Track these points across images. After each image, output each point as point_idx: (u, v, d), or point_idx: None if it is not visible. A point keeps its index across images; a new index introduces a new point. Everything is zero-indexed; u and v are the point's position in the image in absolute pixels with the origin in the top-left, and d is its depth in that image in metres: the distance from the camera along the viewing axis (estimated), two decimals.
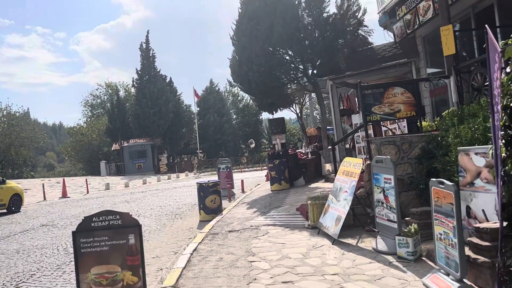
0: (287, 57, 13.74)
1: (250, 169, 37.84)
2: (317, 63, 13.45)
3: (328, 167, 13.57)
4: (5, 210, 14.25)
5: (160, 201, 14.36)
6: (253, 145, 43.20)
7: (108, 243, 4.09)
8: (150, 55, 44.39)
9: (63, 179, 23.13)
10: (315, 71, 13.72)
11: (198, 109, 48.37)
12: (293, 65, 13.89)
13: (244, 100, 55.01)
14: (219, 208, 9.90)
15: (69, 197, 19.35)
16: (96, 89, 57.73)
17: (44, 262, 6.87)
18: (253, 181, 19.82)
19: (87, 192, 21.46)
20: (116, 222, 4.10)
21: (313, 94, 17.03)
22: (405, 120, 9.33)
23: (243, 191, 14.98)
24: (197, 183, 10.20)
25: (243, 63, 13.25)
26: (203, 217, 9.63)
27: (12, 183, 15.46)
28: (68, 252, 7.41)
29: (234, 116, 55.63)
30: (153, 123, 42.32)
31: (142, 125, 42.64)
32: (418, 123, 7.94)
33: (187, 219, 10.14)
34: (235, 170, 23.71)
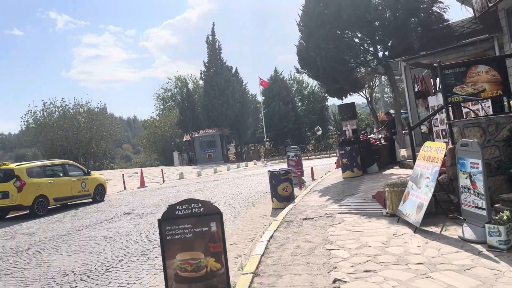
0: (356, 40, 13.31)
1: (318, 156, 37.46)
2: (389, 44, 12.89)
3: (403, 152, 13.05)
4: (90, 200, 15.32)
5: (232, 189, 14.65)
6: (319, 132, 42.71)
7: (191, 230, 4.21)
8: (216, 47, 45.23)
9: (141, 170, 24.37)
10: (386, 53, 13.17)
11: (263, 98, 48.60)
12: (362, 48, 13.44)
13: (309, 87, 54.48)
14: (291, 196, 9.90)
15: (146, 186, 20.37)
16: (167, 83, 59.97)
17: (129, 248, 7.28)
18: (322, 168, 19.60)
19: (163, 181, 22.45)
20: (198, 210, 4.22)
21: (383, 78, 16.44)
22: (489, 100, 8.68)
23: (313, 179, 14.86)
24: (268, 171, 10.26)
25: (310, 48, 13.03)
26: (275, 205, 9.69)
27: (96, 174, 16.56)
28: (150, 239, 7.80)
29: (299, 104, 55.25)
30: (221, 114, 43.24)
31: (210, 116, 43.72)
32: (505, 103, 7.35)
33: (260, 207, 10.26)
34: (302, 158, 23.60)
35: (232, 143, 48.08)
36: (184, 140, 44.58)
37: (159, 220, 4.20)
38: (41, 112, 42.28)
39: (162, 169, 26.40)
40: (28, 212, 13.08)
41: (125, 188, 20.19)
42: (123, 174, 23.45)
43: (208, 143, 41.52)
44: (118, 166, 50.86)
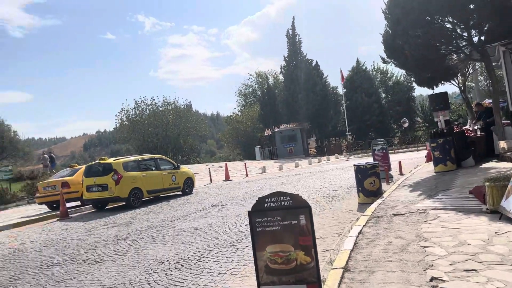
0: (448, 25, 12.44)
1: (404, 150, 35.85)
2: (485, 28, 11.90)
3: (502, 144, 11.99)
4: (180, 192, 16.10)
5: (315, 183, 14.53)
6: (406, 124, 40.79)
7: (280, 223, 4.22)
8: (296, 40, 45.07)
9: (225, 164, 25.11)
10: (482, 38, 12.17)
11: (344, 90, 47.51)
12: (454, 34, 12.54)
13: (394, 77, 52.17)
14: (378, 190, 9.56)
15: (231, 180, 20.95)
16: (248, 79, 61.11)
17: (219, 239, 7.52)
18: (411, 162, 18.71)
19: (246, 175, 22.92)
20: (287, 203, 4.21)
21: (477, 65, 15.21)
22: None
23: (401, 173, 14.25)
24: (354, 165, 10.00)
25: (397, 36, 12.44)
26: (362, 200, 9.43)
27: (185, 168, 17.35)
28: (238, 230, 7.99)
29: (383, 95, 53.14)
30: (301, 108, 43.06)
31: (291, 110, 43.74)
32: None
33: (345, 202, 10.05)
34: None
35: (313, 137, 47.69)
36: (265, 134, 45.12)
37: (249, 212, 4.26)
38: (133, 110, 45.30)
39: (245, 163, 26.97)
40: (124, 203, 14.07)
41: (211, 182, 20.94)
42: (209, 168, 24.33)
43: (288, 137, 41.62)
44: (204, 160, 52.90)
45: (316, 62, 46.64)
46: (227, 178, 21.31)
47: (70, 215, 13.52)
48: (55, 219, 13.22)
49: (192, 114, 49.67)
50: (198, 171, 26.97)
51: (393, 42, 12.77)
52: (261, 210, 4.29)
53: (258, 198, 4.25)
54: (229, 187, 17.04)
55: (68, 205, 14.15)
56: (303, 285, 4.13)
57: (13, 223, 12.82)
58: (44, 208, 16.83)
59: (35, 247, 8.94)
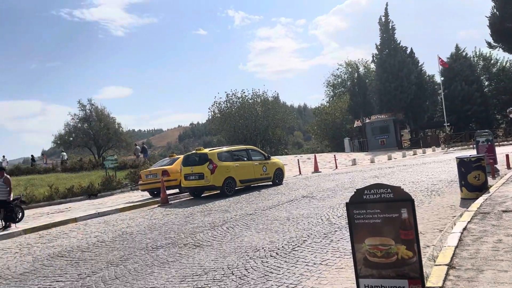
0: None
1: (511, 142, 32.80)
2: None
3: None
4: (270, 183, 16.37)
5: (411, 176, 13.89)
6: None
7: (380, 216, 4.12)
8: (390, 27, 43.17)
9: (314, 156, 24.97)
10: None
11: (442, 78, 44.50)
12: None
13: (498, 64, 47.70)
14: (484, 185, 8.89)
15: (320, 171, 20.81)
16: (337, 69, 59.85)
17: (311, 230, 7.54)
18: None
19: (336, 167, 22.61)
20: (388, 195, 4.09)
21: None
22: None
23: (508, 167, 13.10)
24: (456, 158, 9.39)
25: (507, 18, 11.38)
26: (465, 195, 8.84)
27: (275, 159, 17.60)
28: (331, 222, 7.94)
29: (486, 83, 48.88)
30: (394, 97, 41.28)
31: (383, 100, 42.14)
32: None
33: (445, 196, 9.49)
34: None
35: (406, 129, 45.50)
36: (355, 126, 44.03)
37: (347, 204, 4.22)
38: (225, 103, 46.81)
39: (335, 155, 26.60)
40: (219, 191, 14.66)
41: (300, 173, 20.99)
42: (298, 160, 24.40)
43: (380, 128, 40.16)
44: (291, 152, 53.15)
45: (411, 49, 44.31)
46: (316, 169, 21.20)
47: (169, 202, 14.43)
48: (156, 205, 14.19)
49: (280, 106, 50.05)
50: (286, 162, 27.17)
51: (501, 25, 11.73)
52: (359, 202, 4.22)
53: (357, 189, 4.18)
54: (319, 178, 16.95)
55: (167, 192, 15.09)
56: (404, 280, 4.02)
57: (119, 208, 14.01)
58: (146, 195, 18.13)
59: (140, 230, 9.68)
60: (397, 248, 4.02)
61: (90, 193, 23.64)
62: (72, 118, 46.85)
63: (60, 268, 6.99)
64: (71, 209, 17.60)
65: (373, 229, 4.13)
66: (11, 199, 12.93)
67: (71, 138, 46.65)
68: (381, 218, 4.12)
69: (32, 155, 42.03)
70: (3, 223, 12.75)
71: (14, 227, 12.31)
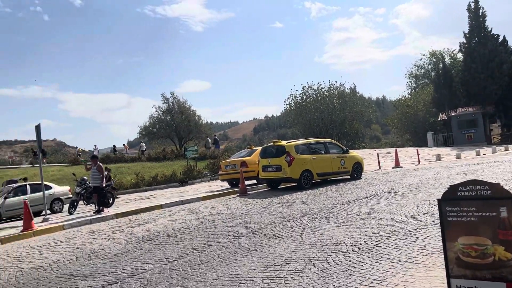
0: None
1: None
2: None
3: None
4: (348, 177, 16.08)
5: (504, 174, 12.89)
6: None
7: (476, 214, 3.88)
8: (480, 14, 40.13)
9: (395, 150, 24.08)
10: None
11: None
12: None
13: None
14: None
15: (401, 166, 20.02)
16: (420, 59, 56.94)
17: (395, 226, 7.30)
18: None
19: (418, 162, 21.61)
20: (485, 192, 3.85)
21: None
22: None
23: None
24: None
25: None
26: None
27: (354, 152, 17.25)
28: (416, 219, 7.63)
29: None
30: (484, 89, 38.39)
31: (471, 92, 39.37)
32: None
33: None
34: None
35: (496, 123, 42.18)
36: (439, 119, 41.65)
37: (438, 200, 4.03)
38: (301, 95, 46.59)
39: (417, 150, 25.44)
40: (295, 184, 14.69)
41: (379, 167, 20.36)
42: (377, 154, 23.69)
43: (467, 122, 37.61)
44: (369, 146, 51.67)
45: (504, 37, 40.80)
46: (397, 164, 20.42)
47: (248, 192, 14.74)
48: (236, 195, 14.57)
49: (357, 98, 48.74)
50: (364, 156, 26.45)
51: None
52: (453, 199, 4.01)
53: (450, 185, 3.98)
54: (400, 174, 16.32)
55: (246, 182, 15.42)
56: (501, 283, 3.77)
57: (201, 196, 14.59)
58: (225, 185, 18.69)
59: (222, 218, 10.01)
60: (494, 249, 3.78)
61: (181, 180, 25.06)
62: (156, 111, 49.44)
63: (149, 251, 7.45)
64: (155, 196, 18.67)
65: (467, 228, 3.92)
66: (104, 185, 14.00)
67: (155, 129, 49.26)
68: (477, 217, 3.89)
69: (114, 145, 45.20)
70: (97, 207, 13.87)
71: (106, 211, 13.33)
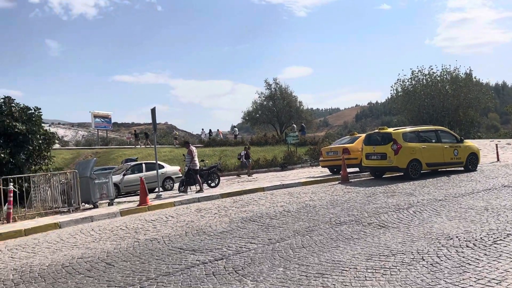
0: None
1: None
2: None
3: None
4: (462, 168, 14.88)
5: None
6: None
7: None
8: None
9: None
10: None
11: None
12: None
13: None
14: None
15: None
16: None
17: None
18: None
19: None
20: None
21: None
22: None
23: None
24: None
25: None
26: None
27: (469, 142, 15.90)
28: None
29: None
30: None
31: None
32: None
33: None
34: None
35: None
36: None
37: None
38: (409, 80, 44.05)
39: None
40: (402, 174, 13.99)
41: (498, 159, 18.53)
42: (496, 144, 21.55)
43: None
44: (486, 136, 47.28)
45: None
46: None
47: (350, 180, 14.41)
48: (337, 182, 14.33)
49: (473, 84, 44.66)
50: (480, 146, 24.15)
51: None
52: None
53: None
54: None
55: (348, 170, 15.08)
56: None
57: (302, 182, 14.61)
58: (325, 171, 18.50)
59: (323, 204, 9.92)
60: None
61: (282, 165, 25.59)
62: (259, 96, 50.51)
63: (252, 231, 7.66)
64: (257, 179, 19.16)
65: None
66: (194, 168, 14.69)
67: (257, 115, 50.42)
68: None
69: (210, 129, 47.31)
70: (197, 187, 14.73)
71: (189, 192, 14.33)
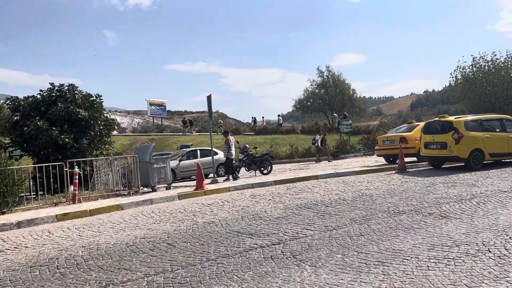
0: None
1: None
2: None
3: None
4: None
5: None
6: None
7: None
8: None
9: None
10: None
11: None
12: None
13: None
14: None
15: None
16: None
17: None
18: None
19: None
20: None
21: None
22: None
23: None
24: None
25: None
26: None
27: None
28: None
29: None
30: None
31: None
32: None
33: None
34: None
35: None
36: None
37: None
38: (470, 67, 41.84)
39: None
40: (463, 164, 13.41)
41: None
42: None
43: None
44: None
45: None
46: None
47: (407, 170, 14.01)
48: (393, 172, 13.98)
49: None
50: None
51: None
52: None
53: None
54: None
55: (405, 159, 14.66)
56: None
57: (357, 170, 14.39)
58: (380, 160, 18.09)
59: (380, 193, 9.73)
60: None
61: (334, 153, 25.33)
62: (311, 84, 49.96)
63: (308, 218, 7.67)
64: (309, 168, 19.08)
65: None
66: (229, 156, 15.13)
67: (309, 103, 49.97)
68: None
69: (254, 117, 47.40)
70: (234, 175, 14.99)
71: (231, 180, 14.51)
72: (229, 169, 15.12)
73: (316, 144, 23.44)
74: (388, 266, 4.80)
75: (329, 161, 22.57)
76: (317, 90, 49.66)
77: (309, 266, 5.00)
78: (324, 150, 23.15)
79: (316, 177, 13.43)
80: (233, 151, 15.24)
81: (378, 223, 6.85)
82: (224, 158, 20.77)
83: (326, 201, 9.16)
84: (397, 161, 14.50)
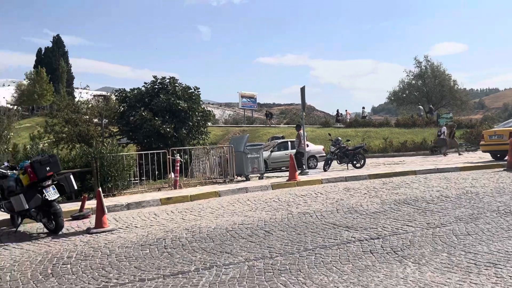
0: None
1: None
2: None
3: None
4: None
5: None
6: None
7: None
8: None
9: None
10: None
11: None
12: None
13: None
14: None
15: None
16: None
17: None
18: None
19: None
20: None
21: None
22: None
23: None
24: None
25: None
26: None
27: None
28: None
29: None
30: None
31: None
32: None
33: None
34: None
35: None
36: None
37: None
38: None
39: None
40: None
41: None
42: None
43: None
44: None
45: None
46: None
47: None
48: (501, 169, 12.86)
49: None
50: None
51: None
52: None
53: None
54: None
55: None
56: None
57: (459, 167, 13.47)
58: (484, 157, 16.74)
59: (487, 192, 9.03)
60: None
61: (432, 149, 24.20)
62: (407, 75, 47.61)
63: (408, 214, 7.37)
64: (405, 162, 18.28)
65: None
66: (300, 151, 15.14)
67: (404, 95, 47.72)
68: None
69: (337, 110, 45.96)
70: (301, 170, 14.81)
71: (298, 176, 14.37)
72: (299, 162, 15.09)
73: (442, 137, 22.43)
74: (501, 268, 4.47)
75: (459, 154, 21.92)
76: (414, 81, 47.22)
77: (412, 263, 4.83)
78: (453, 142, 22.42)
79: (414, 173, 12.82)
80: (303, 146, 15.32)
81: (487, 223, 6.38)
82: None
83: (427, 198, 8.72)
84: (505, 158, 13.30)
